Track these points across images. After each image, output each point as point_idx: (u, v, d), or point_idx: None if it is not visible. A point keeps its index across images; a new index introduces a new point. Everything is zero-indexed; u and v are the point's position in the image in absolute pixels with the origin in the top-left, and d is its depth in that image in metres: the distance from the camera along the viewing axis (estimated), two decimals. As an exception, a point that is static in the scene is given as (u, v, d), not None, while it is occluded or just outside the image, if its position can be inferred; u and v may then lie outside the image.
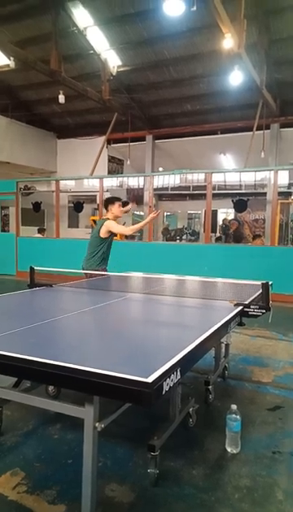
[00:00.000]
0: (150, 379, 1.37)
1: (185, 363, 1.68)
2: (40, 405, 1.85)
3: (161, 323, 2.60)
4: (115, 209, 4.47)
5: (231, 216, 16.13)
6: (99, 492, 1.91)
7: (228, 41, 6.89)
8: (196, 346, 1.82)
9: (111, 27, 9.39)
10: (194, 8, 6.44)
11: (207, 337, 2.00)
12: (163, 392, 1.45)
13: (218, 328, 2.21)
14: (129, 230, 4.54)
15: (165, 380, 1.45)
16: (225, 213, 16.23)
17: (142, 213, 13.55)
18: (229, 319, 2.46)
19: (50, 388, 2.98)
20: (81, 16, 9.04)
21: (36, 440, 2.53)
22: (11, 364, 1.57)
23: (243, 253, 8.37)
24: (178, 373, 1.58)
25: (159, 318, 2.78)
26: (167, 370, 1.48)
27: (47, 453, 2.37)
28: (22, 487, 2.07)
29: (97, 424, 1.63)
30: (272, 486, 2.14)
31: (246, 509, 1.95)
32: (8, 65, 8.72)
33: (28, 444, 2.48)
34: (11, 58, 8.51)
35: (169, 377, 1.49)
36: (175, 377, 1.54)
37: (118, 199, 4.58)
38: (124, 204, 4.65)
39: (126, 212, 4.61)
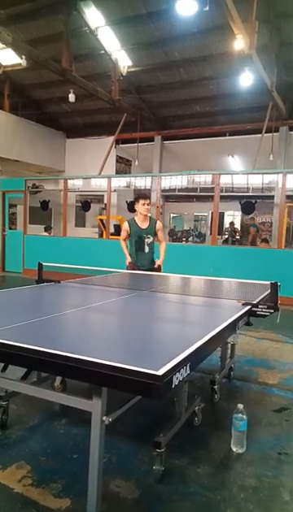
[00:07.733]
0: (160, 372, 1.37)
1: (195, 359, 1.67)
2: (49, 398, 1.85)
3: (171, 320, 2.59)
4: (138, 207, 4.70)
5: (238, 219, 16.06)
6: (104, 487, 1.91)
7: (239, 42, 6.87)
8: (205, 342, 1.81)
9: (122, 27, 9.42)
10: (207, 8, 6.43)
11: (216, 334, 1.99)
12: (173, 386, 1.44)
13: (227, 326, 2.20)
14: (121, 242, 4.86)
15: (175, 374, 1.45)
16: (232, 215, 16.18)
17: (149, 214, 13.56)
18: (238, 318, 2.45)
19: (56, 383, 2.99)
20: (93, 16, 9.08)
21: (41, 434, 2.53)
22: (23, 355, 1.57)
23: (249, 256, 8.33)
24: (187, 368, 1.57)
25: (168, 315, 2.78)
26: (177, 364, 1.48)
27: (52, 448, 2.37)
28: (27, 480, 2.07)
29: (104, 418, 1.62)
30: (278, 487, 2.12)
31: (251, 510, 1.94)
32: (20, 64, 8.79)
33: (34, 438, 2.48)
34: (23, 57, 8.57)
35: (179, 371, 1.48)
36: (184, 372, 1.54)
37: (140, 197, 4.74)
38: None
39: (147, 209, 4.68)
